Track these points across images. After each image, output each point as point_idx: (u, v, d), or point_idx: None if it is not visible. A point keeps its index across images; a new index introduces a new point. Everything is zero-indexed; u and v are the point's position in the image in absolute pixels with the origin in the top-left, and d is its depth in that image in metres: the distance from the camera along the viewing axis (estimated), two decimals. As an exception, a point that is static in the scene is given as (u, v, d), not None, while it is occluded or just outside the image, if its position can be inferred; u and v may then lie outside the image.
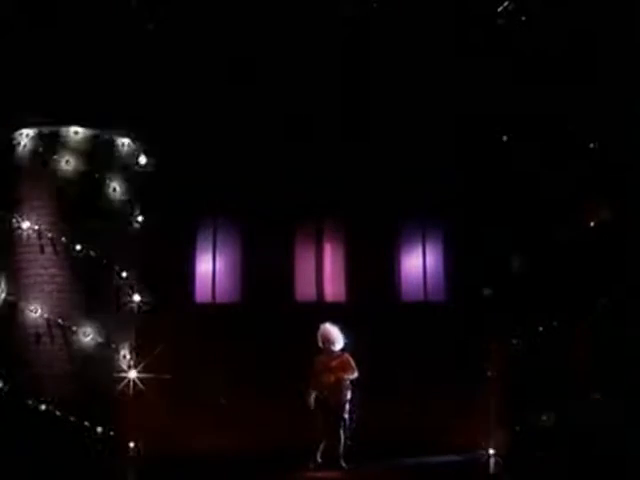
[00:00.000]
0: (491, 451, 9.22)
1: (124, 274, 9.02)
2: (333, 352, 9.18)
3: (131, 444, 8.98)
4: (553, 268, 8.86)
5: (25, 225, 8.82)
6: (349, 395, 9.04)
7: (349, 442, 9.03)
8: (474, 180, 10.13)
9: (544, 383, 8.63)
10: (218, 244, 11.47)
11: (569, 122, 9.04)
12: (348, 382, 9.06)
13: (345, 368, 9.07)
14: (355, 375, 9.10)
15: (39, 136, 8.98)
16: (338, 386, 9.01)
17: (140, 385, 8.92)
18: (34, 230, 8.81)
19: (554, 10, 8.85)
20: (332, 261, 11.69)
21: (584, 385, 8.57)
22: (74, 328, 8.67)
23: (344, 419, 8.99)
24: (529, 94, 9.00)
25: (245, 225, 11.40)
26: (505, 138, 9.43)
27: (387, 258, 11.49)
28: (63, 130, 8.98)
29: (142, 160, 9.44)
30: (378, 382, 10.24)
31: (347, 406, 9.02)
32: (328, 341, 9.17)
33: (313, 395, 8.99)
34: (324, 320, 9.42)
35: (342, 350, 9.23)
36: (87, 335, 8.69)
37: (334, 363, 9.11)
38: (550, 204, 8.99)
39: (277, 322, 10.61)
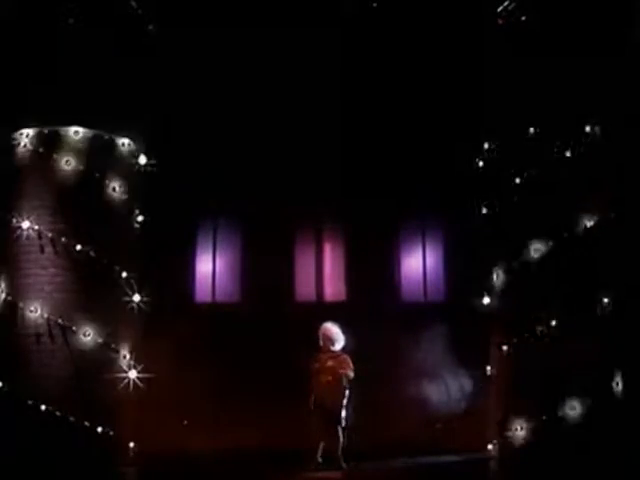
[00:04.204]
0: (491, 451, 9.23)
1: (124, 274, 9.02)
2: (332, 352, 9.16)
3: (131, 444, 8.97)
4: (554, 267, 8.85)
5: (25, 225, 8.82)
6: (346, 395, 9.02)
7: (347, 442, 9.02)
8: (474, 180, 10.13)
9: (545, 383, 8.63)
10: (218, 244, 11.48)
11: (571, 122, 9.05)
12: (345, 382, 9.04)
13: (342, 366, 9.04)
14: (352, 375, 9.06)
15: (39, 136, 8.97)
16: (335, 386, 8.97)
17: (140, 385, 8.92)
18: (34, 230, 8.81)
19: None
20: (332, 261, 11.70)
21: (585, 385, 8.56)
22: (74, 328, 8.67)
23: (342, 419, 8.97)
24: (529, 93, 9.00)
25: (245, 225, 11.42)
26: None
27: (387, 258, 11.50)
28: (63, 130, 8.98)
29: (142, 160, 9.43)
30: (378, 382, 10.25)
31: (344, 406, 9.00)
32: (329, 339, 9.14)
33: (312, 396, 8.99)
34: (324, 320, 9.41)
35: (341, 350, 9.22)
36: (87, 335, 8.68)
37: (331, 363, 9.09)
38: (550, 203, 8.98)
39: (277, 322, 10.62)
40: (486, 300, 9.47)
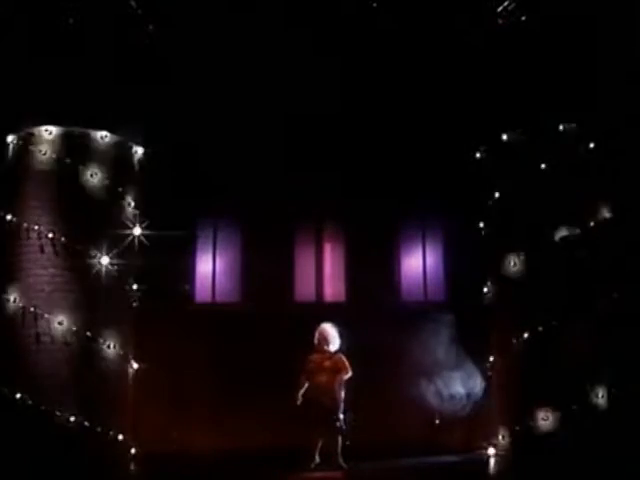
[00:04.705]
0: (491, 451, 9.22)
1: (124, 274, 9.01)
2: (327, 352, 9.20)
3: (131, 444, 8.97)
4: (554, 267, 8.85)
5: (25, 225, 8.82)
6: (342, 394, 9.06)
7: (346, 441, 9.02)
8: (474, 179, 10.13)
9: (545, 383, 8.63)
10: (218, 244, 11.48)
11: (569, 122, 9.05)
12: (342, 381, 9.07)
13: (339, 368, 9.09)
14: (349, 375, 9.11)
15: (39, 136, 8.96)
16: (331, 386, 9.04)
17: (140, 385, 8.91)
18: (34, 230, 8.80)
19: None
20: (332, 261, 11.70)
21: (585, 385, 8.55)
22: (74, 328, 8.66)
23: (340, 418, 9.00)
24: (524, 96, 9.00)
25: (245, 225, 11.42)
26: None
27: (387, 258, 11.51)
28: (63, 130, 8.97)
29: (142, 160, 9.42)
30: (378, 382, 10.26)
31: (342, 405, 9.03)
32: (325, 340, 9.20)
33: (301, 392, 9.02)
34: (324, 320, 9.43)
35: (337, 351, 9.24)
36: (87, 335, 8.68)
37: (327, 363, 9.14)
38: (551, 203, 8.98)
39: (277, 322, 10.62)
40: (486, 300, 9.47)
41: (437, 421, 10.36)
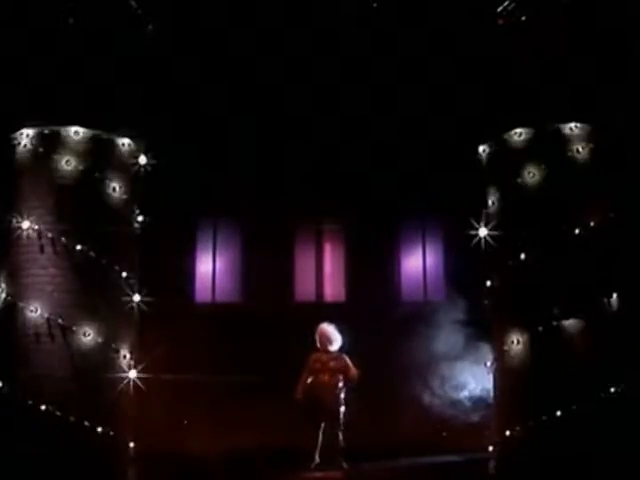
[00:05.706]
0: (492, 451, 9.22)
1: (124, 274, 9.01)
2: (330, 352, 9.19)
3: (131, 444, 8.97)
4: (554, 266, 8.85)
5: (25, 225, 8.81)
6: (344, 394, 9.06)
7: (345, 442, 9.02)
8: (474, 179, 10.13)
9: (545, 382, 8.63)
10: (218, 244, 11.49)
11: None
12: (347, 381, 9.07)
13: (347, 369, 9.08)
14: (355, 372, 9.09)
15: (39, 136, 8.96)
16: (334, 386, 9.04)
17: (140, 385, 8.91)
18: (34, 230, 8.80)
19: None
20: (332, 261, 11.71)
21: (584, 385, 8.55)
22: (74, 328, 8.66)
23: (341, 418, 9.00)
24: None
25: (245, 225, 11.42)
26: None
27: (387, 258, 11.50)
28: (63, 130, 8.97)
29: (142, 160, 9.42)
30: (378, 382, 10.25)
31: (343, 405, 9.03)
32: (328, 340, 9.18)
33: (300, 387, 9.01)
34: (324, 320, 9.42)
35: (339, 350, 9.24)
36: (87, 335, 8.68)
37: (332, 363, 9.12)
38: (551, 203, 8.98)
39: (277, 322, 10.62)
40: (486, 300, 9.47)
41: (438, 425, 10.33)
